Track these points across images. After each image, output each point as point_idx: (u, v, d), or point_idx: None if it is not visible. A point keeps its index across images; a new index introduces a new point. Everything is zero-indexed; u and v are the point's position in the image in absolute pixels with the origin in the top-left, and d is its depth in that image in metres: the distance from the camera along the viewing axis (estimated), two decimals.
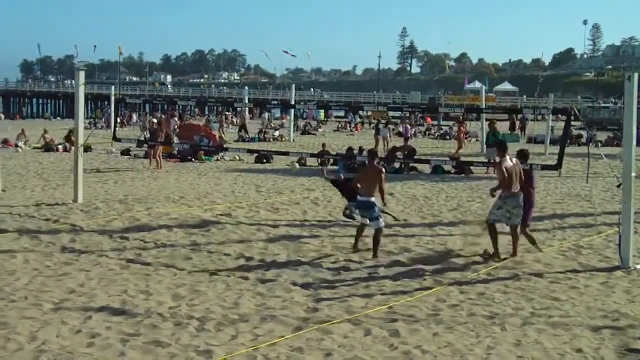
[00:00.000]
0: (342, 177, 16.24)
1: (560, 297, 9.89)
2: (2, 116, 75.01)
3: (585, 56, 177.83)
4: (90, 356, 7.31)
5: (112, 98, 36.72)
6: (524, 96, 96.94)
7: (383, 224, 12.43)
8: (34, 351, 7.40)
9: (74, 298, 9.44)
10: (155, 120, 32.66)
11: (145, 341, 7.81)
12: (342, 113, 71.95)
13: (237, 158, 30.27)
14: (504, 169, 11.77)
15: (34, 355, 7.29)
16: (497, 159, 12.43)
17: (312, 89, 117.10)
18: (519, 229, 12.15)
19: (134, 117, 59.36)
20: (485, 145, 29.52)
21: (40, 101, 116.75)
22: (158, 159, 26.16)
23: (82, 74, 17.40)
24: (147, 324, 8.40)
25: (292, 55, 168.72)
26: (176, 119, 46.60)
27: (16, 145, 34.91)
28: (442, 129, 55.13)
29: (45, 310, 8.83)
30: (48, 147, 33.96)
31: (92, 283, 10.23)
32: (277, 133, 46.68)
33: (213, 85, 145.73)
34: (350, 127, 59.16)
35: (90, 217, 15.37)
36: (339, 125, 60.60)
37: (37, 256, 11.82)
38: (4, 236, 13.28)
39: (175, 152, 29.94)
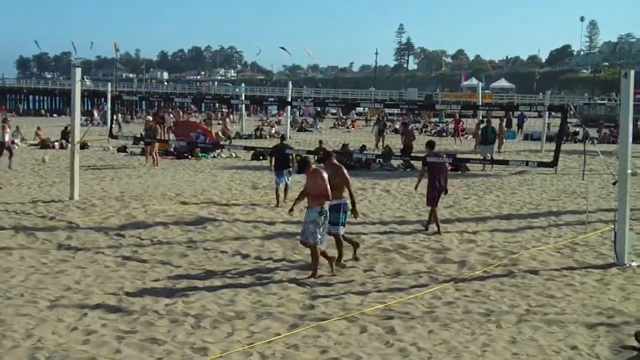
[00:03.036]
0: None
1: (556, 294, 9.91)
2: None
3: (582, 53, 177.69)
4: (86, 353, 7.31)
5: (109, 95, 36.58)
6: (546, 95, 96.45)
7: (340, 231, 11.43)
8: (30, 348, 7.40)
9: (70, 295, 9.45)
10: (150, 118, 32.57)
11: (141, 338, 7.81)
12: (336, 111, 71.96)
13: (234, 155, 30.26)
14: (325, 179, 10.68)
15: (29, 352, 7.29)
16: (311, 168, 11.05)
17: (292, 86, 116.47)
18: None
19: (95, 113, 53.13)
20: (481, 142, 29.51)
21: (37, 98, 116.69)
22: (154, 156, 26.13)
23: (78, 71, 17.37)
24: (143, 321, 8.40)
25: (289, 54, 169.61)
26: (171, 115, 46.49)
27: (12, 143, 34.85)
28: (438, 125, 55.18)
29: (41, 308, 8.83)
30: (44, 144, 33.94)
31: (88, 280, 10.24)
32: (273, 130, 46.65)
33: (216, 83, 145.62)
34: (347, 124, 59.15)
35: (86, 214, 15.37)
36: (335, 123, 60.62)
37: (33, 253, 11.83)
38: (0, 233, 13.27)
39: (172, 149, 29.93)
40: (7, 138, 25.66)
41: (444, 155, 15.44)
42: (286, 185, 17.72)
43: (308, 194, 10.88)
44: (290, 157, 17.85)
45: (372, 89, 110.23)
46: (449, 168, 25.82)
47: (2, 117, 31.80)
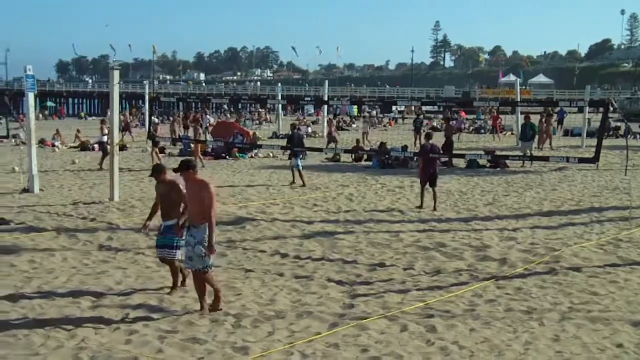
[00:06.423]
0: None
1: (599, 291, 9.75)
2: (40, 115, 76.01)
3: (622, 47, 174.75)
4: (128, 353, 7.38)
5: (147, 97, 36.91)
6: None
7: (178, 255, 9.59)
8: (74, 348, 7.48)
9: (112, 296, 9.54)
10: (157, 121, 32.61)
11: (182, 338, 7.86)
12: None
13: (271, 155, 30.33)
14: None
15: (73, 352, 7.37)
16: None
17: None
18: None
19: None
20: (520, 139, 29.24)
21: (76, 101, 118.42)
22: (199, 157, 26.15)
23: (116, 74, 17.52)
24: (184, 321, 8.45)
25: (320, 52, 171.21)
26: (208, 116, 46.85)
27: (53, 145, 35.42)
28: (476, 122, 54.75)
29: (84, 308, 8.93)
30: (84, 146, 34.40)
31: (129, 281, 10.33)
32: (310, 129, 46.66)
33: (259, 83, 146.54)
34: (383, 122, 58.99)
35: (126, 215, 15.53)
36: (373, 121, 60.43)
37: (75, 254, 11.97)
38: (42, 235, 13.47)
39: (210, 149, 30.11)
40: (105, 138, 25.75)
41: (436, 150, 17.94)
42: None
43: (189, 208, 8.90)
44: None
45: (387, 87, 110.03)
46: (488, 165, 26.10)
47: (101, 118, 32.47)
